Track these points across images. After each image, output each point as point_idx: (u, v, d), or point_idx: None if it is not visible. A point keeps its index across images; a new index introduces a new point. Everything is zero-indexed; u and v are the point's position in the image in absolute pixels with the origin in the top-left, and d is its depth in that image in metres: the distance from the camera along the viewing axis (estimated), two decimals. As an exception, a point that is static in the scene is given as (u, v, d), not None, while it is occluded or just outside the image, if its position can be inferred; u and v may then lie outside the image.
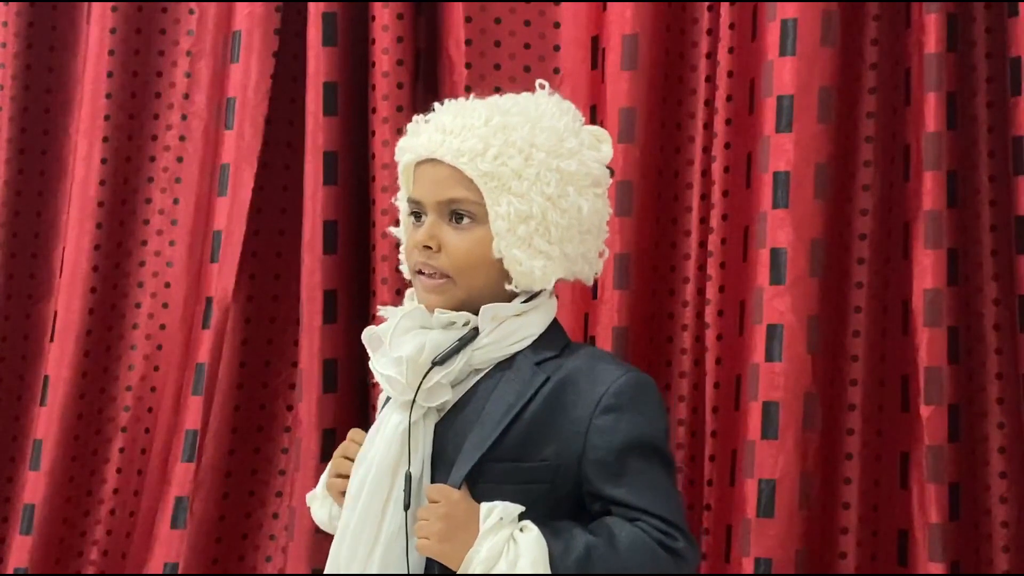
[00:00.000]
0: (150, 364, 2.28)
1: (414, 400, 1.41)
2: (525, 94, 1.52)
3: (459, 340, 1.43)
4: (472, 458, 1.40)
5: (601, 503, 1.42)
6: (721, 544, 1.91)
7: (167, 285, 2.28)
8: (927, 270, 1.82)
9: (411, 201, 1.49)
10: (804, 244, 1.85)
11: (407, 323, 1.44)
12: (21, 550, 2.20)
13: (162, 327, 2.28)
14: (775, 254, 1.85)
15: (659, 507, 1.41)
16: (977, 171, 1.90)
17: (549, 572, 1.34)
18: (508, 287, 1.46)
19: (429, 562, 1.40)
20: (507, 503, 1.38)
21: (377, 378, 1.46)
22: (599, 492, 1.42)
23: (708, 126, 1.99)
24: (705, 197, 1.98)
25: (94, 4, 2.27)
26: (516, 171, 1.42)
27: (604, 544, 1.37)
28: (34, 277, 2.36)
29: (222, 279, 2.13)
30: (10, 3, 2.32)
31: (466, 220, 1.44)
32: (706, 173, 1.99)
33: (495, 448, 1.40)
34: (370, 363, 1.47)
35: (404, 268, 1.53)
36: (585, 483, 1.43)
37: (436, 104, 1.51)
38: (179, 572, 2.10)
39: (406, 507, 1.40)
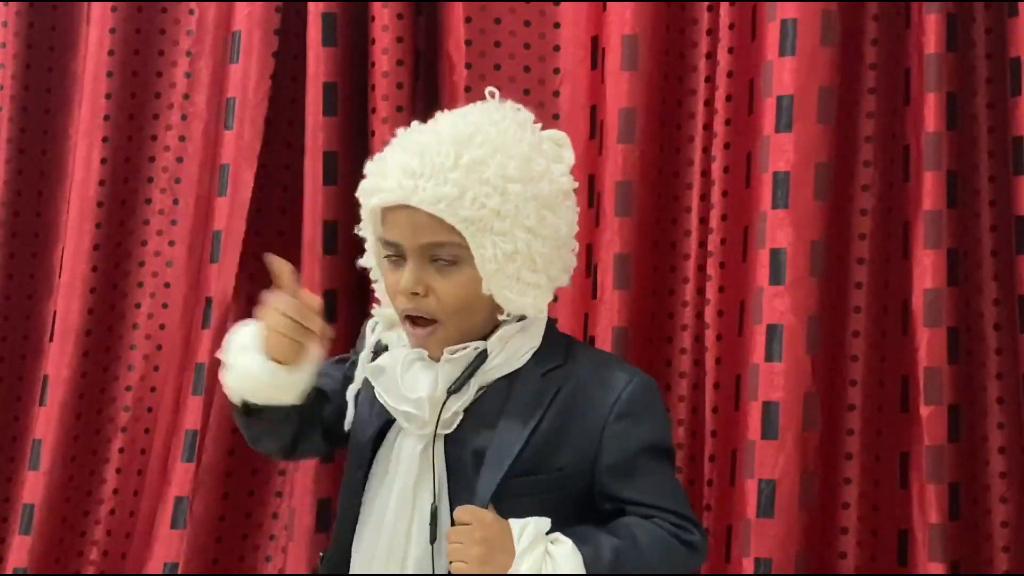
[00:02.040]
0: (150, 364, 2.28)
1: (436, 432, 1.42)
2: (478, 108, 1.47)
3: (470, 366, 1.43)
4: (496, 477, 1.40)
5: (613, 503, 1.45)
6: (721, 544, 1.91)
7: (167, 285, 2.28)
8: (927, 270, 1.82)
9: (386, 243, 1.44)
10: (804, 244, 1.85)
11: (412, 355, 1.44)
12: (20, 550, 2.19)
13: (162, 327, 2.28)
14: (775, 254, 1.85)
15: (672, 503, 1.46)
16: (977, 171, 1.91)
17: None
18: (501, 317, 1.46)
19: None
20: (536, 519, 1.39)
21: (391, 412, 1.45)
22: (613, 494, 1.44)
23: (708, 126, 1.99)
24: (705, 197, 1.98)
25: (94, 4, 2.27)
26: (495, 210, 1.39)
27: (628, 545, 1.40)
28: (34, 277, 2.36)
29: (222, 279, 2.13)
30: (10, 3, 2.32)
31: (452, 263, 1.41)
32: (706, 173, 1.99)
33: (514, 464, 1.41)
34: (377, 395, 1.46)
35: (384, 309, 1.51)
36: (598, 486, 1.45)
37: (397, 135, 1.47)
38: (179, 572, 2.10)
39: (432, 541, 1.41)
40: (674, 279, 2.02)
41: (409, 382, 1.43)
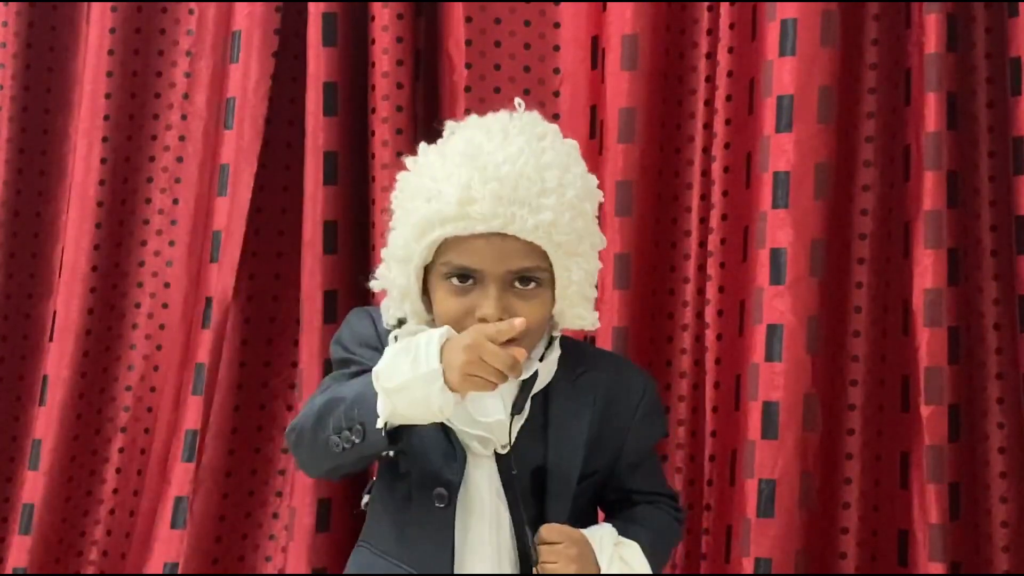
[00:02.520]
0: (150, 364, 2.28)
1: (510, 454, 1.45)
2: (516, 123, 1.45)
3: (524, 386, 1.45)
4: (568, 493, 1.46)
5: (621, 493, 1.56)
6: (721, 544, 1.91)
7: (167, 285, 2.28)
8: (927, 270, 1.82)
9: (458, 266, 1.41)
10: (804, 244, 1.85)
11: None
12: (20, 550, 2.19)
13: (162, 327, 2.27)
14: (775, 254, 1.85)
15: (665, 487, 1.62)
16: (977, 171, 1.90)
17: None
18: (554, 334, 1.51)
19: None
20: (605, 527, 1.48)
21: (460, 435, 1.45)
22: (625, 486, 1.55)
23: (708, 126, 1.99)
24: (705, 197, 1.98)
25: (94, 4, 2.26)
26: (579, 233, 1.42)
27: (655, 534, 1.52)
28: (34, 277, 2.36)
29: (222, 279, 2.13)
30: (10, 3, 2.32)
31: (532, 284, 1.41)
32: (706, 173, 1.99)
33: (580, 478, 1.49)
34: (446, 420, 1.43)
35: (410, 318, 1.47)
36: (612, 480, 1.54)
37: (448, 145, 1.44)
38: (179, 572, 2.09)
39: (534, 563, 1.43)
40: (674, 279, 2.02)
41: (478, 406, 1.43)
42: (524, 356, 1.33)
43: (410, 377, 1.31)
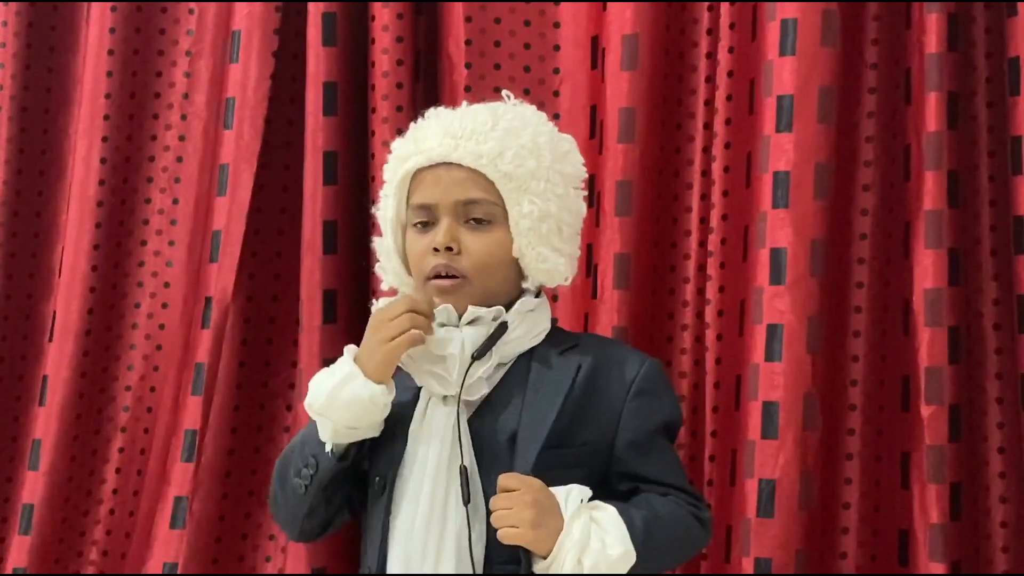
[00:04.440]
0: (149, 364, 2.28)
1: (460, 395, 1.45)
2: (499, 104, 1.56)
3: (492, 334, 1.47)
4: (535, 447, 1.44)
5: (629, 482, 1.50)
6: (721, 544, 1.91)
7: (166, 285, 2.28)
8: (928, 270, 1.82)
9: (419, 207, 1.50)
10: (804, 244, 1.84)
11: (436, 319, 1.49)
12: (20, 550, 2.19)
13: (161, 327, 2.27)
14: (775, 254, 1.85)
15: (683, 483, 1.55)
16: (977, 171, 1.90)
17: (633, 547, 1.39)
18: (525, 285, 1.53)
19: (486, 558, 1.43)
20: (578, 486, 1.42)
21: (416, 377, 1.49)
22: (631, 471, 1.50)
23: (708, 126, 1.99)
24: (705, 197, 1.98)
25: (93, 4, 2.27)
26: (531, 172, 1.47)
27: (655, 517, 1.45)
28: (33, 277, 2.36)
29: (221, 279, 2.13)
30: (10, 3, 2.32)
31: (485, 222, 1.48)
32: (706, 173, 1.99)
33: (549, 435, 1.45)
34: (401, 364, 1.49)
35: (390, 276, 1.58)
36: (616, 464, 1.50)
37: (427, 112, 1.55)
38: (178, 572, 2.09)
39: (466, 502, 1.42)
40: (674, 279, 2.02)
41: (436, 341, 1.46)
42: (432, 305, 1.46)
43: (331, 387, 1.41)
